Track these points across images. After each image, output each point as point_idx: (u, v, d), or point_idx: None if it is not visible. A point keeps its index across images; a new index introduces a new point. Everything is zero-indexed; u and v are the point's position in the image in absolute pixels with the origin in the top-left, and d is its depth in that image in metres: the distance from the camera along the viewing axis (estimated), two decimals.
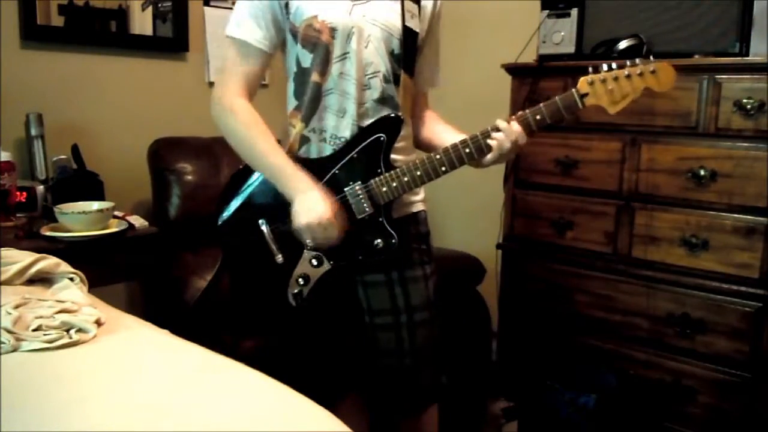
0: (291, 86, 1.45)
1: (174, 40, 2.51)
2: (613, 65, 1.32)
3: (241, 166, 1.48)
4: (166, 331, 1.20)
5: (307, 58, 1.39)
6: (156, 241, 2.04)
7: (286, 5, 1.38)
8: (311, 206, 1.33)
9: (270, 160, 1.38)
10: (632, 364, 2.05)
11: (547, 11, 2.19)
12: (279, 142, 1.42)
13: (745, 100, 1.80)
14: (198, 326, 2.03)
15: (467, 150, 1.35)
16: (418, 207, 1.51)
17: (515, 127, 1.34)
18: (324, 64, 1.37)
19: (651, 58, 1.33)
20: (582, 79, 1.34)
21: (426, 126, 1.55)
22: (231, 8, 2.62)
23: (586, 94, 1.33)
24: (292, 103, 1.45)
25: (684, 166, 1.92)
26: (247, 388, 0.96)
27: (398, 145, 1.42)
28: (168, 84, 2.53)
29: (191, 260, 2.23)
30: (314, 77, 1.39)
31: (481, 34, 2.80)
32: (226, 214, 1.49)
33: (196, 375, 1.00)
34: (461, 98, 2.56)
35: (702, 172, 1.88)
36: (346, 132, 1.39)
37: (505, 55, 2.28)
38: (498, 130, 1.34)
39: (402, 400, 1.54)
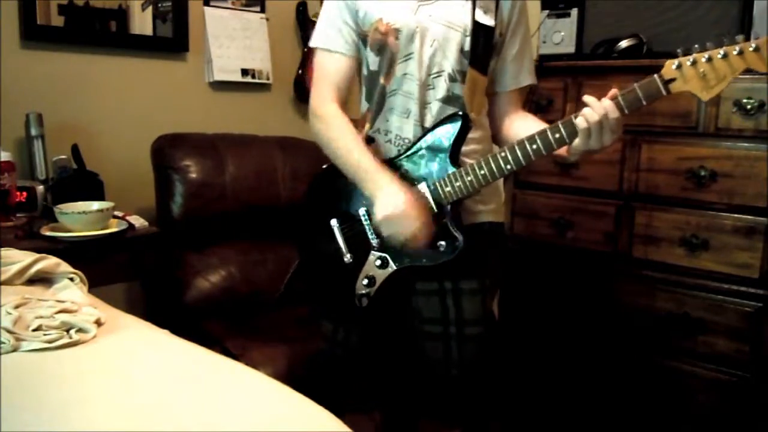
0: (363, 90, 1.47)
1: (174, 40, 2.51)
2: (707, 44, 1.18)
3: (324, 166, 1.50)
4: (166, 331, 1.20)
5: (375, 62, 1.41)
6: (156, 241, 2.04)
7: (357, 12, 1.41)
8: (389, 200, 1.31)
9: (351, 157, 1.37)
10: (632, 364, 2.05)
11: (547, 11, 2.19)
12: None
13: (745, 100, 1.80)
14: (198, 326, 2.03)
15: (534, 146, 1.26)
16: (487, 217, 1.45)
17: (605, 101, 1.22)
18: (389, 65, 1.38)
19: (753, 34, 1.18)
20: (668, 62, 1.20)
21: (510, 125, 1.46)
22: (231, 8, 2.67)
23: (672, 80, 1.19)
24: (364, 106, 1.47)
25: (684, 166, 1.92)
26: (247, 388, 0.96)
27: (469, 147, 1.39)
28: (168, 84, 2.53)
29: (194, 260, 2.23)
30: (381, 80, 1.40)
31: None
32: (305, 214, 1.53)
33: (196, 375, 1.00)
34: None
35: (702, 172, 1.88)
36: (410, 133, 1.38)
37: None
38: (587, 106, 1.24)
39: (439, 410, 1.53)
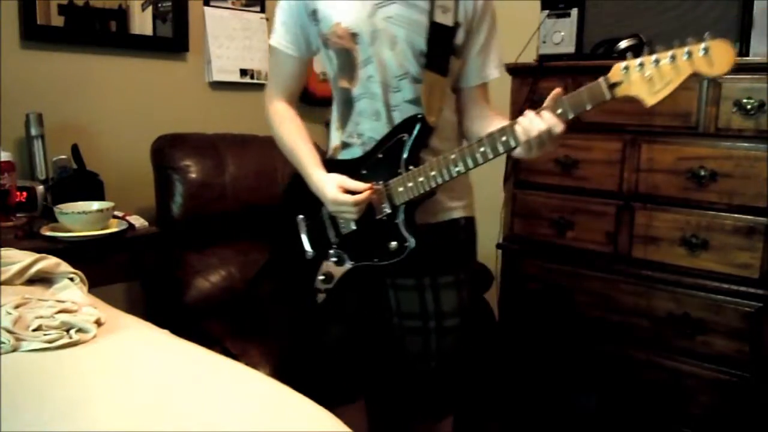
0: (333, 92, 1.48)
1: (174, 40, 2.51)
2: (656, 47, 1.12)
3: None
4: (166, 331, 1.20)
5: (337, 65, 1.41)
6: (156, 240, 2.04)
7: (314, 12, 1.39)
8: (317, 189, 1.40)
9: (295, 153, 1.46)
10: (632, 364, 2.05)
11: (547, 11, 2.19)
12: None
13: (745, 100, 1.80)
14: (198, 326, 2.04)
15: (482, 149, 1.25)
16: (458, 213, 1.47)
17: (546, 115, 1.19)
18: (351, 69, 1.38)
19: (706, 36, 1.08)
20: (616, 65, 1.14)
21: (473, 121, 1.45)
22: (231, 8, 2.67)
23: (618, 84, 1.14)
24: (333, 108, 1.49)
25: (684, 166, 1.92)
26: (247, 388, 0.96)
27: (432, 145, 1.38)
28: (168, 84, 2.53)
29: (194, 261, 2.23)
30: (343, 83, 1.41)
31: None
32: (279, 209, 1.57)
33: (196, 375, 1.00)
34: None
35: (702, 172, 1.88)
36: (382, 135, 1.38)
37: (505, 55, 2.27)
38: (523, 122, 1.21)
39: (421, 404, 1.54)
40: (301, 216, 1.49)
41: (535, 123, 1.19)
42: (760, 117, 1.79)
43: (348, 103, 1.41)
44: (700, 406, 1.93)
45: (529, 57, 2.26)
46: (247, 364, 1.07)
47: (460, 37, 1.38)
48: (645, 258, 2.02)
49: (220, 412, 0.87)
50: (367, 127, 1.40)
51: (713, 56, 1.08)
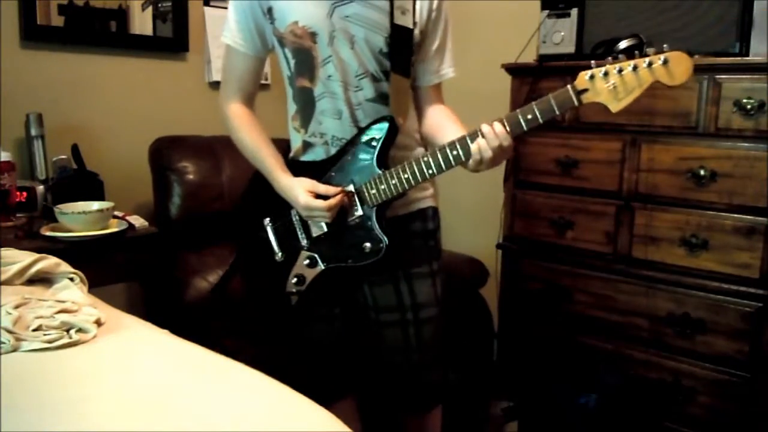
0: (288, 90, 1.47)
1: (174, 40, 2.51)
2: (620, 57, 1.19)
3: None
4: (166, 331, 1.20)
5: (294, 64, 1.40)
6: (156, 241, 2.04)
7: (270, 10, 1.38)
8: (287, 194, 1.39)
9: (257, 157, 1.45)
10: (632, 364, 2.05)
11: (547, 11, 2.19)
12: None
13: (745, 100, 1.80)
14: (198, 326, 2.03)
15: (455, 152, 1.28)
16: (426, 203, 1.49)
17: (498, 129, 1.23)
18: (311, 69, 1.37)
19: (665, 47, 1.14)
20: (581, 73, 1.21)
21: (429, 121, 1.47)
22: None
23: (585, 90, 1.20)
24: (291, 107, 1.47)
25: (684, 166, 1.92)
26: (247, 388, 0.96)
27: (396, 141, 1.38)
28: (168, 84, 2.53)
29: (193, 260, 2.23)
30: (303, 82, 1.40)
31: (481, 34, 2.80)
32: (242, 212, 1.55)
33: (196, 375, 1.00)
34: (461, 98, 2.52)
35: (702, 172, 1.88)
36: (347, 134, 1.38)
37: (505, 55, 2.28)
38: (481, 134, 1.25)
39: (408, 397, 1.54)
40: (267, 218, 1.47)
41: (490, 140, 1.23)
42: (760, 117, 1.79)
43: (309, 103, 1.41)
44: (700, 406, 1.93)
45: (529, 57, 2.26)
46: (246, 363, 1.07)
47: (416, 37, 1.39)
48: (645, 258, 2.02)
49: (220, 411, 0.87)
50: (329, 126, 1.40)
51: (672, 67, 1.13)
